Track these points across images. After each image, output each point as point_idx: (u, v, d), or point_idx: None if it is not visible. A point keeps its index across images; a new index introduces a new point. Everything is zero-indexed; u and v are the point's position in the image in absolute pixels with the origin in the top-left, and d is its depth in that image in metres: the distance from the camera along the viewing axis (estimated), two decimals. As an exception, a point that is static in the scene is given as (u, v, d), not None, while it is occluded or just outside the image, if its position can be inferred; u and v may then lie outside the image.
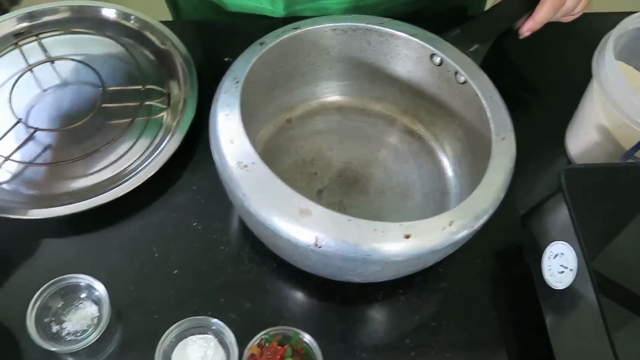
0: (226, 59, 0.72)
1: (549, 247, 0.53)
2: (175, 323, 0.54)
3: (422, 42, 0.62)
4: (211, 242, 0.62)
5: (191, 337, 0.55)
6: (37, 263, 0.61)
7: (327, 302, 0.59)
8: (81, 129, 0.66)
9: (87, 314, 0.56)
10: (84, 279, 0.56)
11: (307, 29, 0.62)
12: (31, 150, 0.65)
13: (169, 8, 0.94)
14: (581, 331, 0.50)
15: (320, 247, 0.49)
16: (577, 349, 0.50)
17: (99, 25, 0.75)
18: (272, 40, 0.60)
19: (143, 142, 0.67)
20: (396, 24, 0.63)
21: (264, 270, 0.60)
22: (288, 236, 0.49)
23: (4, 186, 0.63)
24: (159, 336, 0.54)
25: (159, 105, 0.69)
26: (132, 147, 0.66)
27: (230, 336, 0.54)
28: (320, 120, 0.69)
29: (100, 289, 0.55)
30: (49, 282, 0.55)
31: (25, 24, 0.75)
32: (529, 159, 0.63)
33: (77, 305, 0.57)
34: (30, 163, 0.64)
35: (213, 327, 0.55)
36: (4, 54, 0.72)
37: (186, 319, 0.54)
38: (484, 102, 0.57)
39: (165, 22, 0.75)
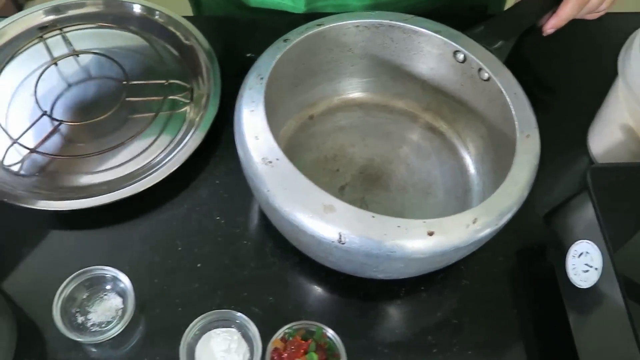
0: (248, 55, 0.72)
1: (573, 245, 0.53)
2: (198, 316, 0.55)
3: (445, 39, 0.62)
4: (234, 236, 0.62)
5: (215, 330, 0.55)
6: (62, 254, 0.61)
7: (349, 298, 0.60)
8: (105, 122, 0.67)
9: (111, 306, 0.57)
10: (109, 271, 0.57)
11: (331, 25, 0.62)
12: (56, 143, 0.66)
13: (190, 3, 0.94)
14: (606, 330, 0.49)
15: (344, 243, 0.49)
16: (602, 349, 0.50)
17: (124, 20, 0.76)
18: (296, 37, 0.60)
19: (166, 137, 0.67)
20: (420, 21, 0.63)
21: (286, 265, 0.61)
22: (312, 232, 0.49)
23: (29, 178, 0.64)
24: (182, 329, 0.54)
25: (182, 99, 0.69)
26: (155, 141, 0.67)
27: (253, 330, 0.54)
28: (342, 116, 0.69)
29: (125, 281, 0.56)
30: (75, 274, 0.56)
31: (51, 17, 0.76)
32: (550, 158, 0.62)
33: (102, 297, 0.57)
34: (55, 155, 0.65)
35: (237, 321, 0.55)
36: (29, 47, 0.73)
37: (210, 312, 0.55)
38: (508, 99, 0.57)
39: (187, 17, 0.76)
